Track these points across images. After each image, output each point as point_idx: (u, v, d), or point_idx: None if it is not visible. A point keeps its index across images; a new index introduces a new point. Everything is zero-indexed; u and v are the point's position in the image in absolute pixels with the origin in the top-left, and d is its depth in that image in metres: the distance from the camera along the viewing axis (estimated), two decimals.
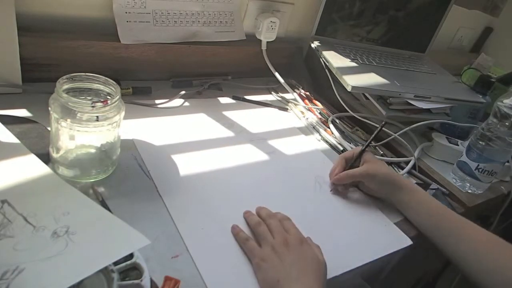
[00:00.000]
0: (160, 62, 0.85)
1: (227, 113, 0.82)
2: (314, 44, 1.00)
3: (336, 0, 0.99)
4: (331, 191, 0.68)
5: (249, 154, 0.72)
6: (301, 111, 0.92)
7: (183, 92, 0.83)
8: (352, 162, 0.69)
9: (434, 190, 0.76)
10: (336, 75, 0.91)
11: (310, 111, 0.93)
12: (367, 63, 1.00)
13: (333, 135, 0.84)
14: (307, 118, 0.89)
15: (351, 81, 0.86)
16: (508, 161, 0.79)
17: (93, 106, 0.49)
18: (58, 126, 0.50)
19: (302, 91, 0.99)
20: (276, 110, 0.91)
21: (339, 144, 0.82)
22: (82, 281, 0.36)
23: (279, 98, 0.97)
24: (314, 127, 0.87)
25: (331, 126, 0.86)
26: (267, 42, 0.97)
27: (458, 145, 0.88)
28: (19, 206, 0.43)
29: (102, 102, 0.49)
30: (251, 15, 0.96)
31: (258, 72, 1.00)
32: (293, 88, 1.00)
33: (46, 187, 0.47)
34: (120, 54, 0.78)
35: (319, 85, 1.02)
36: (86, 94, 0.53)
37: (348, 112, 0.92)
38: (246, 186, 0.63)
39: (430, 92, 0.92)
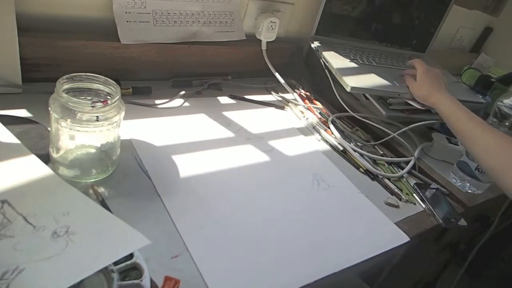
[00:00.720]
0: (160, 62, 0.85)
1: (227, 113, 0.82)
2: (314, 44, 1.00)
3: (336, 0, 0.99)
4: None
5: (248, 153, 0.72)
6: (301, 111, 0.92)
7: (183, 92, 0.83)
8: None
9: (434, 190, 0.76)
10: (335, 75, 0.91)
11: (310, 111, 0.93)
12: (367, 63, 1.00)
13: (333, 135, 0.84)
14: (307, 118, 0.89)
15: (351, 81, 0.86)
16: None
17: (93, 106, 0.49)
18: (58, 126, 0.50)
19: (302, 91, 0.99)
20: (276, 110, 0.91)
21: (339, 144, 0.82)
22: (82, 281, 0.36)
23: (279, 98, 0.97)
24: (314, 127, 0.87)
25: (331, 126, 0.86)
26: (267, 42, 0.97)
27: (458, 145, 0.88)
28: (19, 206, 0.43)
29: (102, 102, 0.49)
30: (251, 15, 0.96)
31: (258, 72, 1.00)
32: (293, 88, 1.00)
33: (46, 187, 0.47)
34: (120, 54, 0.78)
35: (319, 85, 1.02)
36: (86, 94, 0.53)
37: (348, 112, 0.92)
38: (245, 185, 0.63)
39: None
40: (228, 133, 0.76)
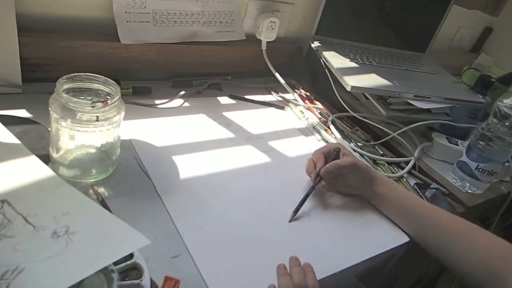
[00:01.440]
0: (160, 62, 0.85)
1: (226, 113, 0.82)
2: (314, 44, 1.00)
3: (336, 0, 0.99)
4: (312, 186, 0.64)
5: (248, 154, 0.72)
6: (301, 111, 0.92)
7: (183, 92, 0.83)
8: (333, 157, 0.67)
9: (434, 190, 0.76)
10: (336, 75, 0.91)
11: (310, 111, 0.93)
12: (367, 63, 1.00)
13: (333, 135, 0.84)
14: (307, 118, 0.89)
15: (351, 81, 0.86)
16: (508, 161, 0.79)
17: (93, 106, 0.49)
18: (58, 126, 0.50)
19: (302, 91, 0.99)
20: (276, 110, 0.91)
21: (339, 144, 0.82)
22: (82, 281, 0.36)
23: (279, 98, 0.97)
24: (314, 127, 0.87)
25: (331, 126, 0.86)
26: (267, 42, 0.97)
27: (458, 145, 0.88)
28: (19, 206, 0.43)
29: (102, 102, 0.49)
30: (251, 15, 0.96)
31: (258, 72, 1.00)
32: (293, 88, 1.00)
33: (46, 187, 0.47)
34: (120, 54, 0.78)
35: (319, 85, 1.02)
36: (86, 94, 0.53)
37: (348, 112, 0.92)
38: (245, 185, 0.63)
39: (430, 92, 0.92)
40: (228, 133, 0.76)
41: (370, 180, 0.65)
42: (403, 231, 0.63)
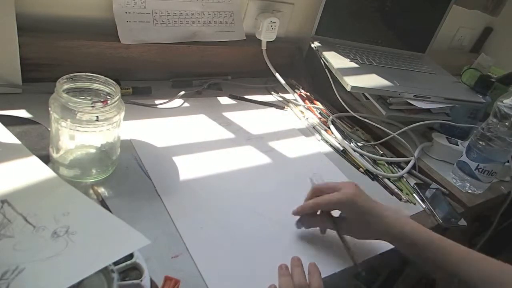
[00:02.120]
0: (160, 62, 0.85)
1: (226, 114, 0.82)
2: (314, 44, 1.00)
3: (336, 0, 0.99)
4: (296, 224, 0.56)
5: (248, 154, 0.72)
6: (301, 111, 0.92)
7: (183, 92, 0.83)
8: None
9: (434, 190, 0.76)
10: (336, 75, 0.91)
11: (310, 110, 0.93)
12: (367, 63, 1.00)
13: (333, 135, 0.84)
14: (307, 118, 0.89)
15: (351, 81, 0.86)
16: (508, 161, 0.79)
17: (93, 106, 0.49)
18: (58, 126, 0.50)
19: (302, 91, 0.99)
20: (276, 110, 0.91)
21: (339, 144, 0.82)
22: (82, 281, 0.36)
23: (279, 98, 0.97)
24: (314, 127, 0.87)
25: (331, 126, 0.86)
26: (267, 42, 0.97)
27: (458, 145, 0.88)
28: (19, 206, 0.43)
29: (102, 102, 0.49)
30: (251, 15, 0.96)
31: (258, 72, 1.00)
32: (293, 88, 1.00)
33: (46, 187, 0.47)
34: (120, 54, 0.78)
35: (319, 85, 1.02)
36: (86, 94, 0.53)
37: (348, 112, 0.92)
38: (245, 185, 0.63)
39: (430, 92, 0.92)
40: (228, 134, 0.76)
41: (371, 217, 0.54)
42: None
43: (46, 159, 0.53)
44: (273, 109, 0.91)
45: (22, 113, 0.64)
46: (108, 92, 0.53)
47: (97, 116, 0.50)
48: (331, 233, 0.59)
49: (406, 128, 0.88)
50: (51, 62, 0.72)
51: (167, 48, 0.84)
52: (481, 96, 0.98)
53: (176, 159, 0.64)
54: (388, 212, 0.54)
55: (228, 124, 0.79)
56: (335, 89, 0.93)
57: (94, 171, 0.54)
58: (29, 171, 0.49)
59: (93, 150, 0.55)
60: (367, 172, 0.76)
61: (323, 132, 0.85)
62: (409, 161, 0.82)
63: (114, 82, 0.53)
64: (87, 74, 0.52)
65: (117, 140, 0.56)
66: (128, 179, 0.57)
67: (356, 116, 0.92)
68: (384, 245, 0.59)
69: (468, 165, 0.78)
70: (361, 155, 0.81)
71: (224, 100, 0.88)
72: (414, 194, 0.74)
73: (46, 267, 0.37)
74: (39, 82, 0.69)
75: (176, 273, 0.45)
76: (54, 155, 0.53)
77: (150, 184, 0.58)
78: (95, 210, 0.45)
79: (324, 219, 0.56)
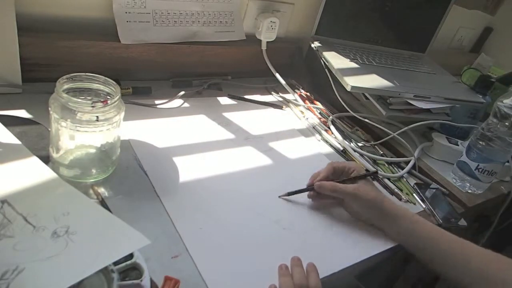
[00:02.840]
0: (160, 62, 0.85)
1: (226, 114, 0.82)
2: (314, 44, 1.00)
3: (336, 0, 0.99)
4: (309, 195, 0.61)
5: (247, 154, 0.72)
6: (301, 111, 0.92)
7: (183, 92, 0.83)
8: (344, 179, 0.63)
9: (434, 190, 0.76)
10: (336, 75, 0.91)
11: (310, 110, 0.93)
12: (367, 63, 1.00)
13: (333, 135, 0.84)
14: (307, 118, 0.89)
15: (351, 81, 0.86)
16: (508, 161, 0.79)
17: (93, 106, 0.49)
18: (58, 126, 0.50)
19: (302, 91, 0.99)
20: (276, 110, 0.91)
21: (339, 144, 0.82)
22: (82, 281, 0.36)
23: (279, 98, 0.97)
24: (314, 127, 0.87)
25: (331, 126, 0.86)
26: (267, 42, 0.97)
27: (458, 145, 0.88)
28: (19, 206, 0.43)
29: (102, 102, 0.49)
30: (251, 15, 0.96)
31: (258, 72, 1.00)
32: (293, 88, 1.00)
33: (46, 187, 0.47)
34: (120, 54, 0.78)
35: (319, 85, 1.02)
36: (86, 94, 0.53)
37: (348, 112, 0.92)
38: (245, 186, 0.63)
39: (430, 92, 0.92)
40: (228, 134, 0.76)
41: (380, 215, 0.60)
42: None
43: (46, 159, 0.53)
44: (273, 109, 0.91)
45: (22, 113, 0.64)
46: (108, 92, 0.53)
47: (97, 116, 0.50)
48: (331, 232, 0.59)
49: (406, 128, 0.88)
50: (51, 62, 0.72)
51: (167, 48, 0.84)
52: (481, 96, 0.98)
53: (176, 159, 0.64)
54: (401, 219, 0.59)
55: (227, 124, 0.79)
56: (335, 89, 0.93)
57: (94, 171, 0.54)
58: (29, 171, 0.49)
59: (93, 150, 0.55)
60: (367, 172, 0.76)
61: (323, 132, 0.85)
62: (409, 161, 0.82)
63: (114, 82, 0.53)
64: (87, 74, 0.52)
65: (117, 140, 0.56)
66: (128, 179, 0.57)
67: (356, 116, 0.92)
68: (384, 245, 0.59)
69: (468, 165, 0.78)
70: (361, 155, 0.81)
71: (224, 100, 0.88)
72: (414, 194, 0.74)
73: (46, 267, 0.37)
74: (39, 82, 0.69)
75: (176, 273, 0.45)
76: (54, 155, 0.53)
77: (150, 184, 0.58)
78: (95, 210, 0.45)
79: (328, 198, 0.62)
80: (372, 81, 0.91)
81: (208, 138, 0.73)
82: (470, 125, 0.94)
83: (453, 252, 0.56)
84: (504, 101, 0.72)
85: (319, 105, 0.96)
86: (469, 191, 0.79)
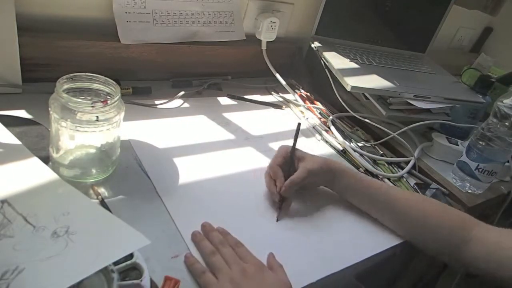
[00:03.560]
0: (160, 62, 0.85)
1: (226, 114, 0.82)
2: (314, 44, 1.00)
3: (336, 0, 0.99)
4: (279, 209, 0.59)
5: (247, 154, 0.72)
6: (301, 111, 0.92)
7: (183, 92, 0.83)
8: (288, 167, 0.62)
9: (434, 190, 0.76)
10: (336, 75, 0.91)
11: (310, 110, 0.93)
12: (367, 63, 1.00)
13: (333, 135, 0.84)
14: (307, 118, 0.89)
15: (351, 81, 0.86)
16: (508, 161, 0.79)
17: (93, 106, 0.49)
18: (58, 126, 0.50)
19: (303, 91, 0.99)
20: (275, 110, 0.91)
21: (339, 144, 0.82)
22: (82, 281, 0.36)
23: (279, 98, 0.97)
24: (314, 127, 0.87)
25: (331, 126, 0.86)
26: (267, 42, 0.97)
27: (458, 145, 0.88)
28: (19, 206, 0.43)
29: (102, 102, 0.49)
30: (251, 15, 0.96)
31: (258, 72, 1.00)
32: (293, 88, 1.00)
33: (46, 187, 0.47)
34: (120, 54, 0.78)
35: (319, 85, 1.02)
36: (86, 94, 0.53)
37: (348, 112, 0.92)
38: (245, 186, 0.63)
39: (430, 92, 0.92)
40: (228, 134, 0.76)
41: (332, 176, 0.63)
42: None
43: (46, 159, 0.53)
44: (273, 109, 0.91)
45: (22, 113, 0.64)
46: (108, 92, 0.53)
47: (97, 116, 0.50)
48: (331, 232, 0.59)
49: (406, 128, 0.88)
50: (51, 62, 0.72)
51: (167, 48, 0.84)
52: (481, 96, 0.98)
53: (176, 159, 0.64)
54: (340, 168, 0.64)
55: (227, 124, 0.79)
56: (335, 89, 0.93)
57: (94, 171, 0.54)
58: (29, 171, 0.49)
59: (93, 150, 0.55)
60: (367, 172, 0.76)
61: (323, 132, 0.85)
62: (409, 161, 0.82)
63: (114, 82, 0.53)
64: (87, 74, 0.52)
65: (117, 140, 0.56)
66: (128, 179, 0.57)
67: (356, 116, 0.92)
68: (383, 244, 0.59)
69: (468, 165, 0.78)
70: (361, 155, 0.81)
71: (224, 100, 0.88)
72: None
73: (46, 267, 0.37)
74: (39, 82, 0.69)
75: (176, 273, 0.45)
76: (54, 155, 0.53)
77: (150, 184, 0.58)
78: (95, 210, 0.45)
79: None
80: (372, 81, 0.91)
81: (208, 138, 0.73)
82: (470, 125, 0.94)
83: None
84: (504, 101, 0.72)
85: (319, 105, 0.96)
86: (469, 191, 0.79)
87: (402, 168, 0.81)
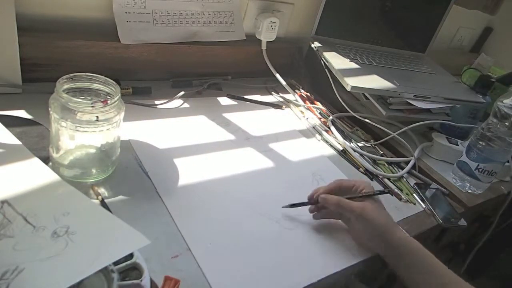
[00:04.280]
0: (160, 62, 0.85)
1: (226, 114, 0.82)
2: (314, 44, 1.00)
3: (336, 0, 0.99)
4: (310, 209, 0.59)
5: (248, 154, 0.72)
6: (301, 111, 0.92)
7: (183, 92, 0.83)
8: (352, 196, 0.58)
9: (434, 190, 0.76)
10: (336, 75, 0.91)
11: (310, 110, 0.93)
12: (367, 63, 1.00)
13: (333, 135, 0.84)
14: (307, 118, 0.89)
15: (351, 81, 0.86)
16: (508, 161, 0.79)
17: (93, 106, 0.49)
18: (58, 126, 0.50)
19: (303, 91, 0.99)
20: (276, 110, 0.91)
21: (339, 144, 0.82)
22: (82, 281, 0.36)
23: (279, 98, 0.97)
24: (314, 127, 0.87)
25: (331, 126, 0.86)
26: (267, 42, 0.97)
27: (458, 145, 0.88)
28: (19, 206, 0.43)
29: (102, 102, 0.49)
30: (251, 15, 0.96)
31: (258, 72, 1.00)
32: (293, 88, 1.00)
33: (46, 187, 0.47)
34: (120, 54, 0.78)
35: (319, 85, 1.02)
36: (86, 94, 0.53)
37: (348, 112, 0.92)
38: (246, 186, 0.63)
39: (430, 92, 0.92)
40: (228, 134, 0.76)
41: (382, 241, 0.55)
42: None
43: (46, 159, 0.53)
44: (273, 109, 0.91)
45: (22, 113, 0.64)
46: (108, 92, 0.53)
47: (97, 116, 0.50)
48: (332, 232, 0.59)
49: (406, 128, 0.88)
50: (51, 62, 0.72)
51: (167, 48, 0.84)
52: (481, 96, 0.98)
53: (176, 159, 0.64)
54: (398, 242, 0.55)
55: (227, 125, 0.79)
56: (335, 89, 0.93)
57: (94, 171, 0.54)
58: (29, 171, 0.49)
59: (93, 150, 0.55)
60: (367, 172, 0.76)
61: (323, 132, 0.85)
62: (409, 161, 0.82)
63: (114, 82, 0.53)
64: (87, 74, 0.52)
65: (117, 140, 0.56)
66: (128, 179, 0.57)
67: (356, 116, 0.92)
68: None
69: (468, 165, 0.78)
70: (361, 155, 0.81)
71: (224, 100, 0.88)
72: (414, 194, 0.74)
73: (46, 267, 0.37)
74: (39, 82, 0.69)
75: (176, 273, 0.45)
76: (54, 155, 0.53)
77: (150, 184, 0.58)
78: (95, 210, 0.45)
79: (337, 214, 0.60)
80: (372, 81, 0.91)
81: (209, 138, 0.73)
82: (470, 125, 0.94)
83: None
84: (504, 101, 0.72)
85: (319, 105, 0.96)
86: (469, 191, 0.79)
87: (402, 168, 0.81)
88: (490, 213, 0.91)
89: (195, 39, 0.87)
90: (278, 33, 0.97)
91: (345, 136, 0.85)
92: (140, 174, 0.59)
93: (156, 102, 0.78)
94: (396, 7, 1.08)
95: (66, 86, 0.50)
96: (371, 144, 0.87)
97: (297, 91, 0.99)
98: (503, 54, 1.53)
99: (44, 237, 0.40)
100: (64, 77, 0.50)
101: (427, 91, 0.92)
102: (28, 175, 0.48)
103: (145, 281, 0.40)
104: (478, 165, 0.76)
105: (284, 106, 0.93)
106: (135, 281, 0.39)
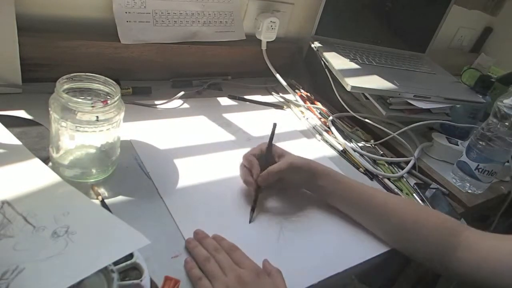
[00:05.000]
0: (160, 62, 0.85)
1: (226, 114, 0.82)
2: (314, 44, 1.00)
3: (336, 0, 0.99)
4: (254, 200, 0.59)
5: None
6: (301, 111, 0.92)
7: (182, 92, 0.83)
8: (266, 160, 0.62)
9: (434, 190, 0.76)
10: (336, 75, 0.91)
11: (310, 110, 0.93)
12: (367, 63, 1.00)
13: (333, 135, 0.84)
14: (307, 119, 0.89)
15: (351, 81, 0.86)
16: (508, 161, 0.79)
17: (93, 106, 0.49)
18: (58, 126, 0.50)
19: (303, 91, 0.99)
20: (276, 110, 0.91)
21: (339, 144, 0.82)
22: (82, 281, 0.36)
23: (280, 99, 0.97)
24: (314, 127, 0.87)
25: (331, 126, 0.86)
26: (267, 42, 0.97)
27: (458, 145, 0.88)
28: (19, 206, 0.43)
29: (102, 102, 0.49)
30: (251, 15, 0.96)
31: (258, 72, 1.00)
32: (293, 88, 1.00)
33: (46, 187, 0.47)
34: (120, 54, 0.78)
35: (319, 85, 1.02)
36: (86, 94, 0.53)
37: (348, 112, 0.92)
38: (245, 186, 0.63)
39: (430, 92, 0.92)
40: (228, 134, 0.76)
41: (312, 175, 0.61)
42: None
43: (46, 159, 0.53)
44: (273, 109, 0.91)
45: (22, 113, 0.64)
46: (108, 92, 0.53)
47: (97, 116, 0.50)
48: (332, 234, 0.59)
49: (406, 128, 0.88)
50: (51, 62, 0.72)
51: (167, 48, 0.84)
52: (481, 96, 0.98)
53: (176, 159, 0.64)
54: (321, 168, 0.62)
55: (228, 125, 0.79)
56: (335, 89, 0.93)
57: (94, 171, 0.54)
58: (29, 171, 0.49)
59: (93, 150, 0.55)
60: (367, 172, 0.76)
61: (323, 132, 0.85)
62: (409, 161, 0.82)
63: (114, 82, 0.53)
64: (87, 74, 0.52)
65: (117, 140, 0.56)
66: (128, 179, 0.57)
67: (356, 116, 0.92)
68: (385, 247, 0.59)
69: (468, 165, 0.78)
70: (361, 155, 0.81)
71: (224, 100, 0.88)
72: (414, 194, 0.74)
73: (46, 267, 0.37)
74: (39, 82, 0.69)
75: (176, 273, 0.45)
76: (54, 155, 0.53)
77: (150, 184, 0.58)
78: (95, 210, 0.45)
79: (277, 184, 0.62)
80: (372, 81, 0.91)
81: (209, 139, 0.73)
82: (470, 125, 0.94)
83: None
84: (504, 101, 0.72)
85: (319, 105, 0.96)
86: (469, 191, 0.79)
87: (402, 168, 0.81)
88: (490, 213, 0.91)
89: (195, 39, 0.87)
90: (278, 33, 0.97)
91: (345, 136, 0.85)
92: (140, 174, 0.59)
93: (156, 102, 0.78)
94: (396, 7, 1.08)
95: (66, 86, 0.50)
96: (371, 144, 0.87)
97: (297, 91, 0.99)
98: (503, 54, 1.53)
99: (44, 237, 0.40)
100: (64, 77, 0.50)
101: (427, 91, 0.92)
102: (28, 175, 0.48)
103: (145, 281, 0.40)
104: (478, 165, 0.76)
105: (285, 107, 0.93)
106: (135, 281, 0.39)
